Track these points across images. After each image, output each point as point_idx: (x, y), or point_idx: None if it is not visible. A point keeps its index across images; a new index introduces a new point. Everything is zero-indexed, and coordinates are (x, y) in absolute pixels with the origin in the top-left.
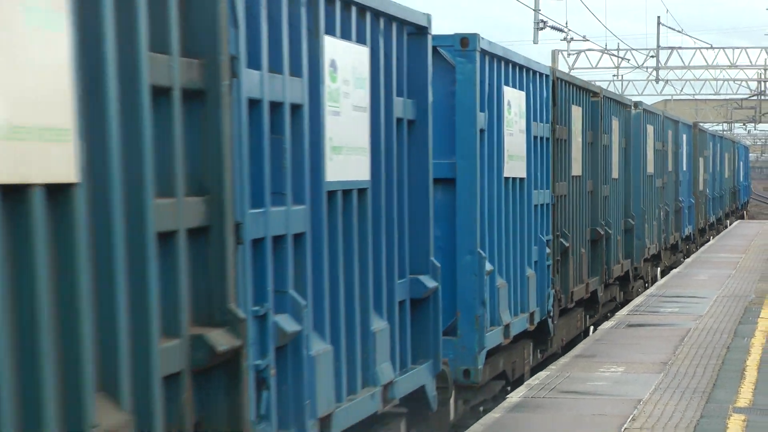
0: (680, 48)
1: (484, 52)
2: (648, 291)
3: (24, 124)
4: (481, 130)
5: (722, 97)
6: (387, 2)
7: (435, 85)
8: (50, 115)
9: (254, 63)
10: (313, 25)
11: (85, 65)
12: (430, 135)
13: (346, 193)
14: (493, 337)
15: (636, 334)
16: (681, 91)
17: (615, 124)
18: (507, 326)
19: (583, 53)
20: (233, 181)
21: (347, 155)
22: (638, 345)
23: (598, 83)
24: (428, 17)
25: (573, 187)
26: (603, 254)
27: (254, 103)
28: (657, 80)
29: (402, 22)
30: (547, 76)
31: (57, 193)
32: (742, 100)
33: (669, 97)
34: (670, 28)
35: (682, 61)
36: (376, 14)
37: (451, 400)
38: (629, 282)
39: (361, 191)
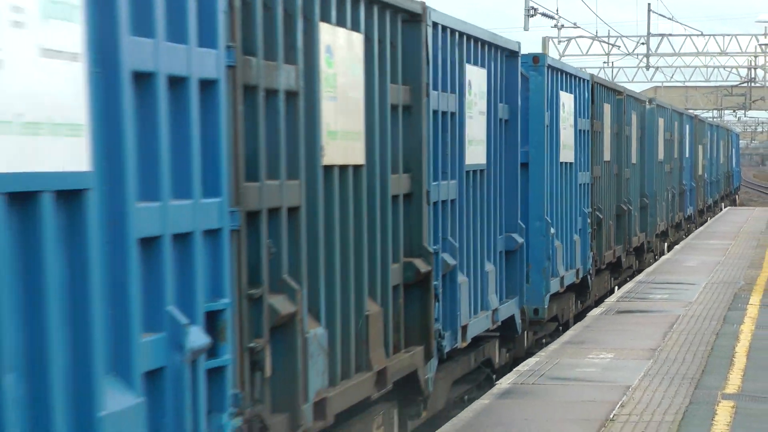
0: (670, 35)
1: (548, 67)
2: (637, 277)
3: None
4: (546, 126)
5: (712, 84)
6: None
7: None
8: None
9: (435, 86)
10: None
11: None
12: (519, 131)
13: (475, 172)
14: (554, 285)
15: (625, 320)
16: (671, 78)
17: (633, 117)
18: (562, 278)
19: (573, 40)
20: (426, 163)
21: (476, 146)
22: (627, 331)
23: (588, 70)
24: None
25: (604, 171)
26: (626, 227)
27: (435, 114)
28: (647, 67)
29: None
30: (587, 80)
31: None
32: (732, 87)
33: (659, 84)
34: (660, 15)
35: (673, 48)
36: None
37: (525, 332)
38: (643, 253)
39: (482, 171)
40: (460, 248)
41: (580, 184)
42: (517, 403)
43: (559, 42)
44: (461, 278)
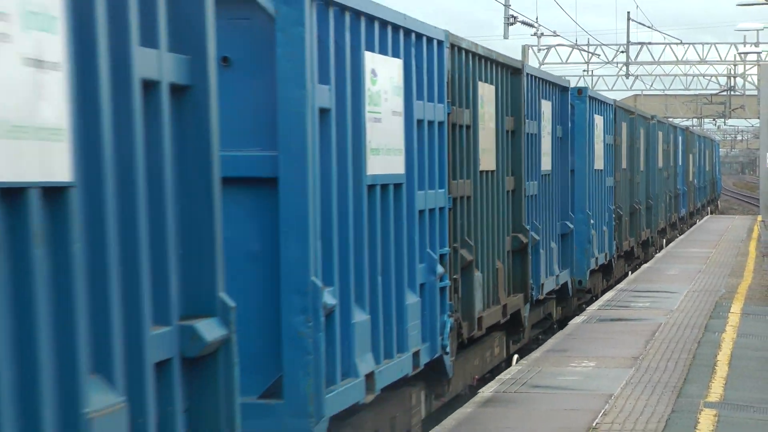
0: (650, 43)
1: (588, 97)
2: (619, 286)
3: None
4: (587, 142)
5: (692, 92)
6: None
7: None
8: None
9: (527, 116)
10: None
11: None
12: (570, 145)
13: (545, 176)
14: (591, 264)
15: (607, 329)
16: (651, 86)
17: (641, 132)
18: (596, 259)
19: (553, 48)
20: (524, 170)
21: (546, 157)
22: (610, 340)
23: (568, 78)
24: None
25: (622, 176)
26: (638, 222)
27: (528, 136)
28: (627, 75)
29: (562, 88)
30: (611, 105)
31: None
32: (711, 95)
33: (639, 92)
34: (639, 23)
35: (652, 56)
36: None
37: (573, 296)
38: (648, 246)
39: (548, 175)
40: (542, 229)
41: (607, 187)
42: (500, 412)
43: (539, 50)
44: (541, 251)
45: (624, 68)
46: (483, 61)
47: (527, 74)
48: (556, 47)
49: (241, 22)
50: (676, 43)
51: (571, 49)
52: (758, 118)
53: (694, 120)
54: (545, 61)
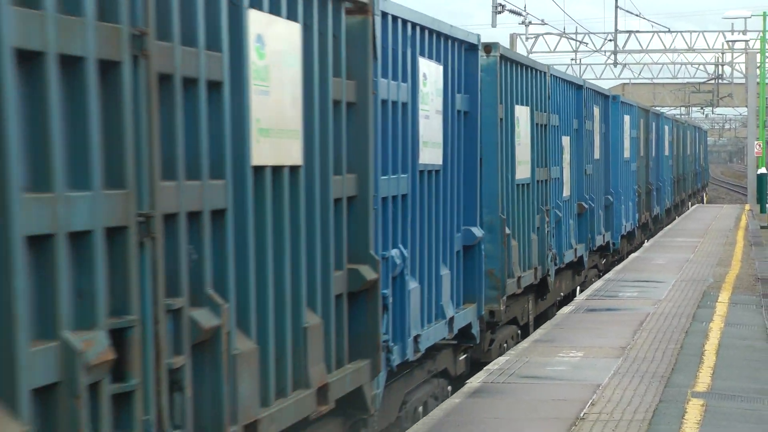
0: (638, 32)
1: (621, 102)
2: (607, 275)
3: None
4: (627, 137)
5: (680, 80)
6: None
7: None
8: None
9: (587, 117)
10: None
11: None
12: (610, 141)
13: (597, 161)
14: (622, 230)
15: (595, 318)
16: (639, 74)
17: (653, 126)
18: (625, 226)
19: (541, 37)
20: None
21: (597, 148)
22: (597, 330)
23: (556, 67)
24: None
25: (641, 162)
26: (651, 200)
27: (578, 133)
28: (615, 64)
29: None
30: (635, 107)
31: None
32: (699, 84)
33: (627, 81)
34: (627, 11)
35: (640, 44)
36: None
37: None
38: (657, 222)
39: (598, 161)
40: (596, 199)
41: (632, 171)
42: (488, 402)
43: (527, 39)
44: (597, 213)
45: (612, 57)
46: (641, 110)
47: (586, 88)
48: (544, 36)
49: None
50: (664, 32)
51: (559, 37)
52: (746, 106)
53: (682, 108)
54: (533, 50)
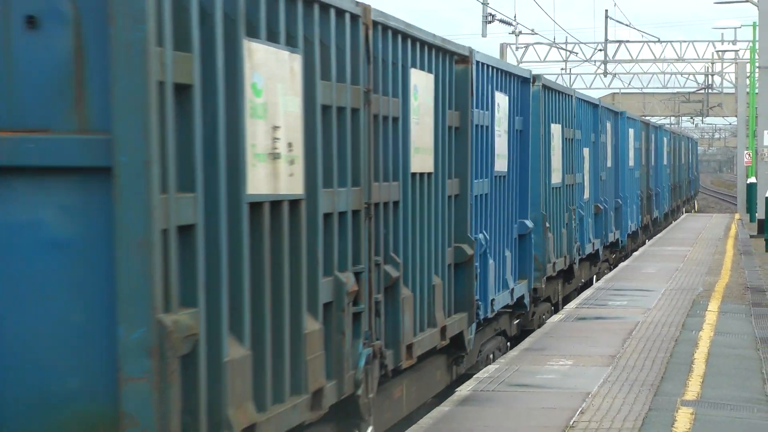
0: (628, 41)
1: (627, 118)
2: (596, 284)
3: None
4: (636, 149)
5: (670, 90)
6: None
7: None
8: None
9: (603, 129)
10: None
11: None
12: (618, 151)
13: (609, 168)
14: (627, 229)
15: (585, 327)
16: (629, 84)
17: (653, 138)
18: (630, 225)
19: (531, 47)
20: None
21: (609, 158)
22: (587, 338)
23: (546, 77)
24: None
25: (643, 170)
26: (651, 204)
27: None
28: (605, 74)
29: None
30: (638, 121)
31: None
32: (689, 93)
33: (617, 91)
34: (617, 21)
35: (630, 54)
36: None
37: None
38: (656, 225)
39: (610, 168)
40: (608, 201)
41: (635, 178)
42: (477, 410)
43: (517, 48)
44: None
45: (602, 66)
46: (643, 123)
47: (600, 106)
48: (534, 45)
49: None
50: (654, 42)
51: (549, 47)
52: (736, 116)
53: (672, 118)
54: (523, 60)
